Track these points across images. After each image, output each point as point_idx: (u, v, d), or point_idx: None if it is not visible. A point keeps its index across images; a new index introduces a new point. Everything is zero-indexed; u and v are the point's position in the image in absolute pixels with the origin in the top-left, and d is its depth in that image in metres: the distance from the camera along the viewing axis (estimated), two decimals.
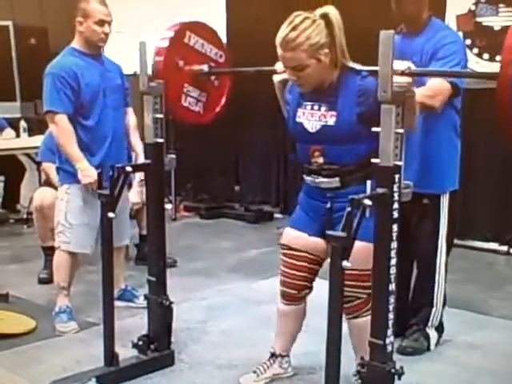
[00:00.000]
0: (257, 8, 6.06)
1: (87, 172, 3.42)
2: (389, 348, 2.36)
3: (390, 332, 2.36)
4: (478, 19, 4.95)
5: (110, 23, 3.53)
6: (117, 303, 3.87)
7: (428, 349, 3.31)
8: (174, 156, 3.17)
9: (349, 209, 2.15)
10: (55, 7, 7.70)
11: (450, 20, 4.94)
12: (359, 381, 2.43)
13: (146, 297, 3.22)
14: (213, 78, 3.39)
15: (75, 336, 3.51)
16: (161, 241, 3.16)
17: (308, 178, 2.73)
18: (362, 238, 2.28)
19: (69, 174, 3.56)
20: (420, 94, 2.84)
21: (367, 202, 2.17)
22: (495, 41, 4.87)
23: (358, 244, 2.23)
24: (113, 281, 3.02)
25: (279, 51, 2.58)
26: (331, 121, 2.61)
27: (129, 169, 2.93)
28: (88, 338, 3.45)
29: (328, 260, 2.62)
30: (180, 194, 6.70)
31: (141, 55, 3.00)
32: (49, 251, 4.32)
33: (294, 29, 2.52)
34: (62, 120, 3.43)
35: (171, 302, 3.15)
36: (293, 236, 2.82)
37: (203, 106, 3.33)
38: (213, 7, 6.12)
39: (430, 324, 3.30)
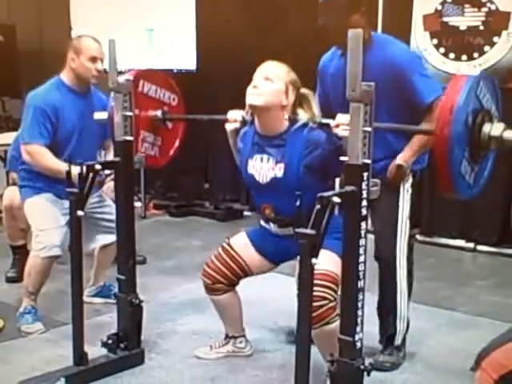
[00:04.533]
0: (226, 9, 6.07)
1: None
2: (358, 345, 2.38)
3: (359, 329, 2.38)
4: (445, 19, 5.00)
5: (102, 60, 3.52)
6: (95, 300, 3.88)
7: (403, 357, 3.23)
8: (143, 154, 3.17)
9: (318, 206, 2.17)
10: (23, 5, 7.61)
11: (417, 20, 5.01)
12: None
13: (115, 295, 3.21)
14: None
15: (44, 336, 3.48)
16: (130, 239, 3.15)
17: (265, 225, 2.94)
18: (330, 248, 2.48)
19: (29, 188, 3.59)
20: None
21: (336, 199, 2.19)
22: (461, 41, 4.95)
23: (325, 252, 2.33)
24: (82, 280, 2.99)
25: (263, 65, 2.77)
26: (280, 173, 2.76)
27: (98, 166, 2.92)
28: (57, 337, 3.42)
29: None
30: (149, 192, 6.68)
31: (110, 53, 2.98)
32: (17, 250, 4.30)
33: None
34: (34, 146, 3.44)
35: (141, 301, 3.14)
36: (243, 242, 3.01)
37: (159, 149, 3.41)
38: (183, 8, 6.10)
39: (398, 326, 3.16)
